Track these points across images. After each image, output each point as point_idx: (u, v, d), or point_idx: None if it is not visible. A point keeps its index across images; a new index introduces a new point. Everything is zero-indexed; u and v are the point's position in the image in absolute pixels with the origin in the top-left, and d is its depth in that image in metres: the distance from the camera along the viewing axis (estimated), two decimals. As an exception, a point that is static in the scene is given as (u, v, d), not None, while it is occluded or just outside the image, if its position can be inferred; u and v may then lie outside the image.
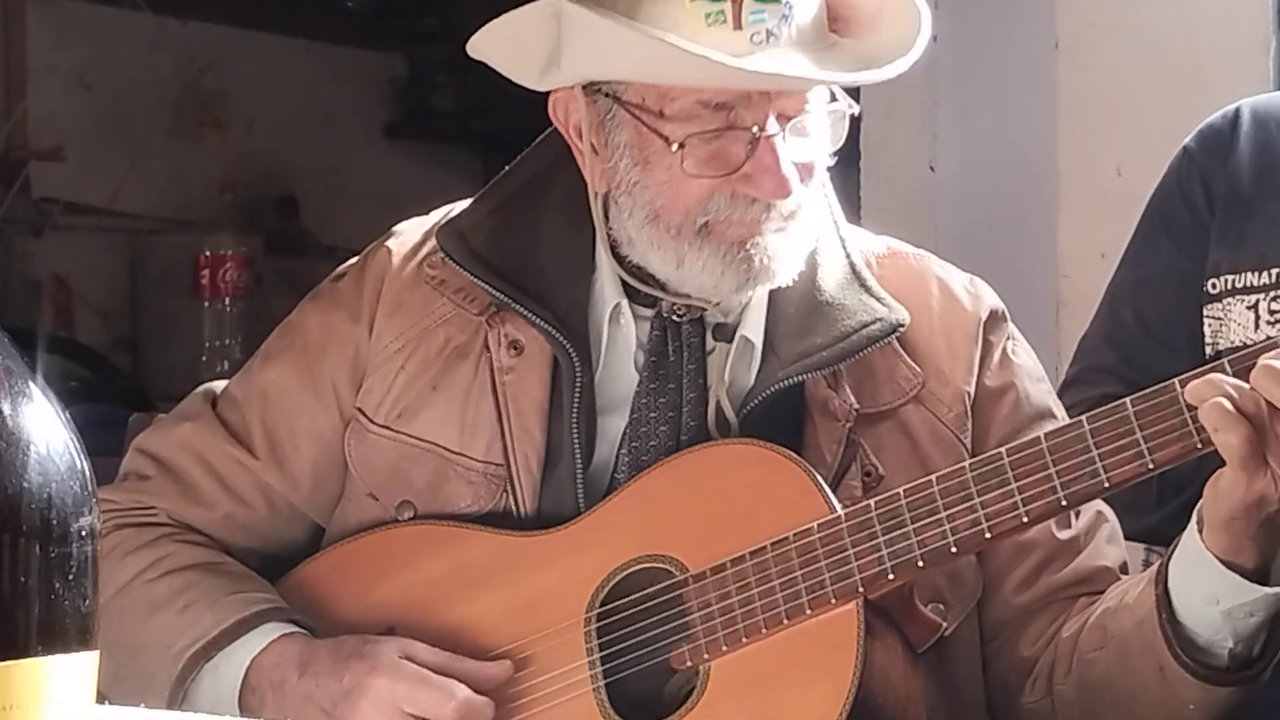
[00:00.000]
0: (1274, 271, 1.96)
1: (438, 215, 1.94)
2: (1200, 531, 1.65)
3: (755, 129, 1.70)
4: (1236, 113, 2.07)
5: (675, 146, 1.71)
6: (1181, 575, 1.67)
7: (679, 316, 1.81)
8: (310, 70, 5.29)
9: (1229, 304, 1.98)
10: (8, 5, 4.66)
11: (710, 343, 1.82)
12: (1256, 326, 1.96)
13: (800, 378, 1.77)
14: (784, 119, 1.71)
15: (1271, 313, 1.95)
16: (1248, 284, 1.97)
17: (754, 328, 1.81)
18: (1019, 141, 3.33)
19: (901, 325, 1.80)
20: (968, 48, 3.35)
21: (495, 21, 1.76)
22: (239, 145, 5.10)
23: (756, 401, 1.78)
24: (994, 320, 1.87)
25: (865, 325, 1.79)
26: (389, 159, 5.50)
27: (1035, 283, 3.23)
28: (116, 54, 4.82)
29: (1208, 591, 1.65)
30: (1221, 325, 1.99)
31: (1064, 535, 1.80)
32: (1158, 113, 3.00)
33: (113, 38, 4.81)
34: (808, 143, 1.74)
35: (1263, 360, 1.57)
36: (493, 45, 1.78)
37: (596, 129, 1.77)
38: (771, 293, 1.80)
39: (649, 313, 1.82)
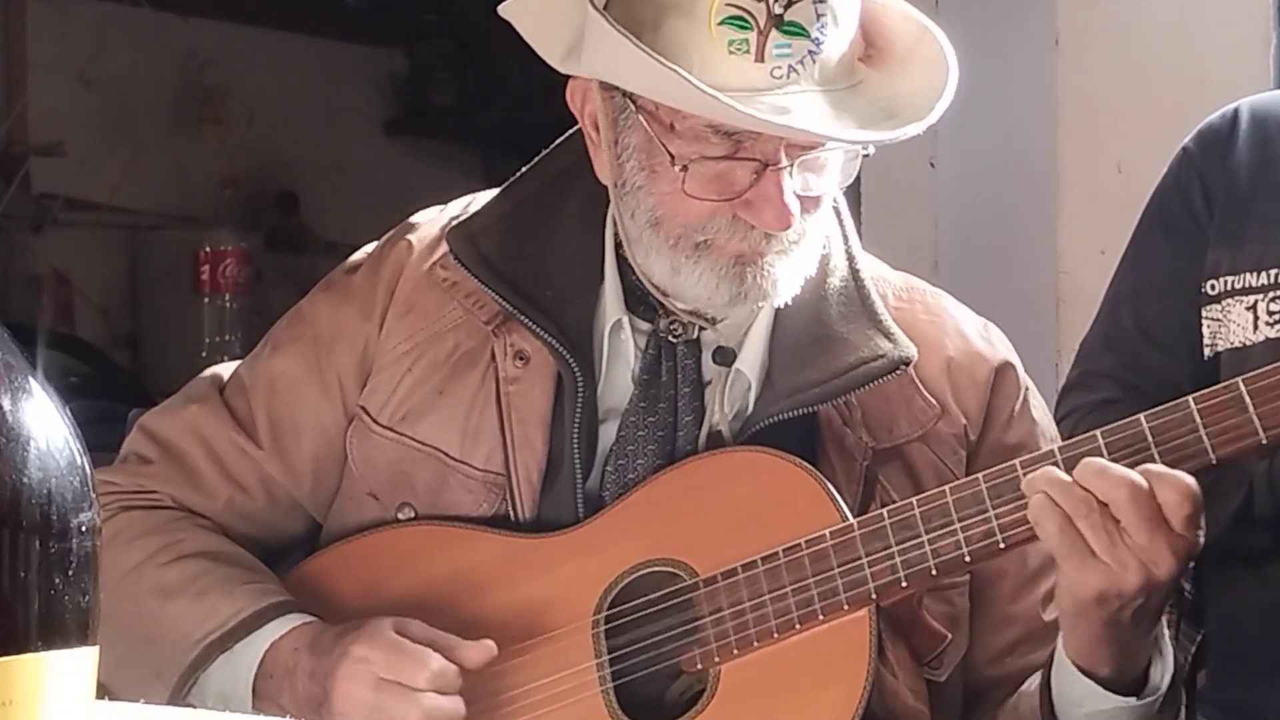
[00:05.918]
0: (1272, 272, 1.96)
1: (455, 208, 1.91)
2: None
3: (763, 160, 1.67)
4: (1235, 112, 2.07)
5: (679, 168, 1.68)
6: (1055, 675, 1.71)
7: (674, 337, 1.79)
8: (310, 66, 5.29)
9: (1228, 305, 1.98)
10: (8, 1, 4.65)
11: (711, 368, 1.80)
12: (1255, 327, 1.95)
13: (794, 412, 1.76)
14: (795, 152, 1.67)
15: (1270, 313, 1.95)
16: (1246, 285, 1.97)
17: (750, 361, 1.80)
18: (1019, 138, 3.32)
19: (906, 361, 1.76)
20: (968, 45, 3.34)
21: None
22: (239, 141, 5.09)
23: (753, 431, 1.77)
24: (1008, 370, 1.86)
25: (865, 361, 1.76)
26: (389, 155, 5.49)
27: (1035, 279, 3.23)
28: (116, 50, 4.81)
29: (1071, 695, 1.68)
30: (1220, 326, 1.98)
31: (1048, 617, 1.79)
32: (1158, 110, 3.00)
33: (113, 33, 4.80)
34: (817, 177, 1.71)
35: (1085, 460, 1.60)
36: (524, 13, 1.72)
37: (610, 125, 1.74)
38: (775, 322, 1.79)
39: (648, 328, 1.81)
